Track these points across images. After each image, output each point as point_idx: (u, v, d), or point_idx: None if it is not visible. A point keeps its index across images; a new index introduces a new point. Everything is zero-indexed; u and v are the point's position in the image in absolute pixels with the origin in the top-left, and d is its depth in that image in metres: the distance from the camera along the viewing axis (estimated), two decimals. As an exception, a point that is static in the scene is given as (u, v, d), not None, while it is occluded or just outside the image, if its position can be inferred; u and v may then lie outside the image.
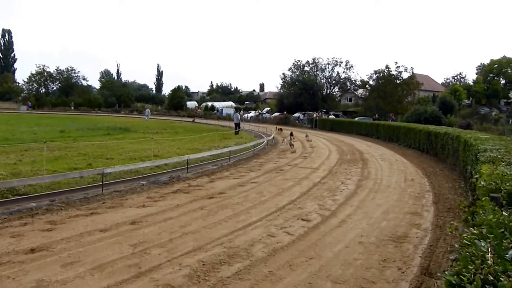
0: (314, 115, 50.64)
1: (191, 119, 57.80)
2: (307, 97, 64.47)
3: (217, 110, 76.92)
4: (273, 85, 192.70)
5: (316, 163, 17.42)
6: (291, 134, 29.65)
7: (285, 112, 59.23)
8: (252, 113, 67.95)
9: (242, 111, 63.74)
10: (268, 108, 77.15)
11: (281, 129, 37.81)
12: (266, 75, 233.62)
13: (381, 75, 53.14)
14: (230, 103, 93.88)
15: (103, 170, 11.19)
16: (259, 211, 9.11)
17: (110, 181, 11.47)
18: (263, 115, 65.21)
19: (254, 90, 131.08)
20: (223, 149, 18.93)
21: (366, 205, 9.94)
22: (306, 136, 30.63)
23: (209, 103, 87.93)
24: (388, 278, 5.59)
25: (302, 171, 15.13)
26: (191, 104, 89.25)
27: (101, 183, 10.80)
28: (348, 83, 71.74)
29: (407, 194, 11.40)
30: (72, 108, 79.30)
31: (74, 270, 5.58)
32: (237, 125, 34.20)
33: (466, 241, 2.83)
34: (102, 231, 7.34)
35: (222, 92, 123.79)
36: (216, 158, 17.45)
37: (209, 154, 17.23)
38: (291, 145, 24.07)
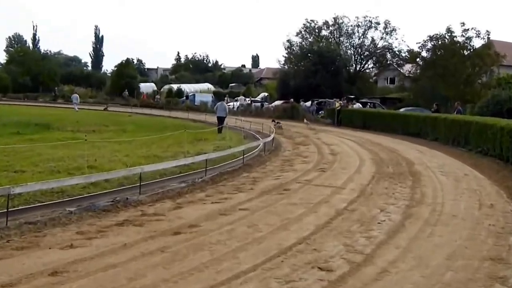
0: (337, 105, 50.10)
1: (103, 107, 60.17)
2: (326, 76, 64.47)
3: (187, 97, 77.18)
4: (273, 59, 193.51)
5: (340, 179, 17.41)
6: (278, 122, 37.07)
7: (291, 100, 58.32)
8: (240, 101, 67.66)
9: (228, 99, 63.67)
10: (266, 94, 77.31)
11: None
12: (263, 44, 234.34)
13: (439, 43, 53.30)
14: (207, 85, 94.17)
15: (9, 189, 10.96)
16: (252, 254, 8.98)
17: (20, 207, 11.32)
18: (263, 104, 65.09)
19: (243, 66, 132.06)
20: (196, 156, 18.95)
21: (419, 246, 9.83)
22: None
23: (175, 86, 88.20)
24: None
25: (318, 192, 15.08)
26: (147, 86, 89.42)
27: (5, 210, 10.62)
28: (388, 55, 72.20)
29: (485, 228, 11.31)
30: None
31: None
32: (221, 120, 34.15)
33: None
34: (5, 287, 7.18)
35: (195, 68, 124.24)
36: (186, 170, 17.43)
37: (174, 165, 17.12)
38: (279, 127, 33.97)
